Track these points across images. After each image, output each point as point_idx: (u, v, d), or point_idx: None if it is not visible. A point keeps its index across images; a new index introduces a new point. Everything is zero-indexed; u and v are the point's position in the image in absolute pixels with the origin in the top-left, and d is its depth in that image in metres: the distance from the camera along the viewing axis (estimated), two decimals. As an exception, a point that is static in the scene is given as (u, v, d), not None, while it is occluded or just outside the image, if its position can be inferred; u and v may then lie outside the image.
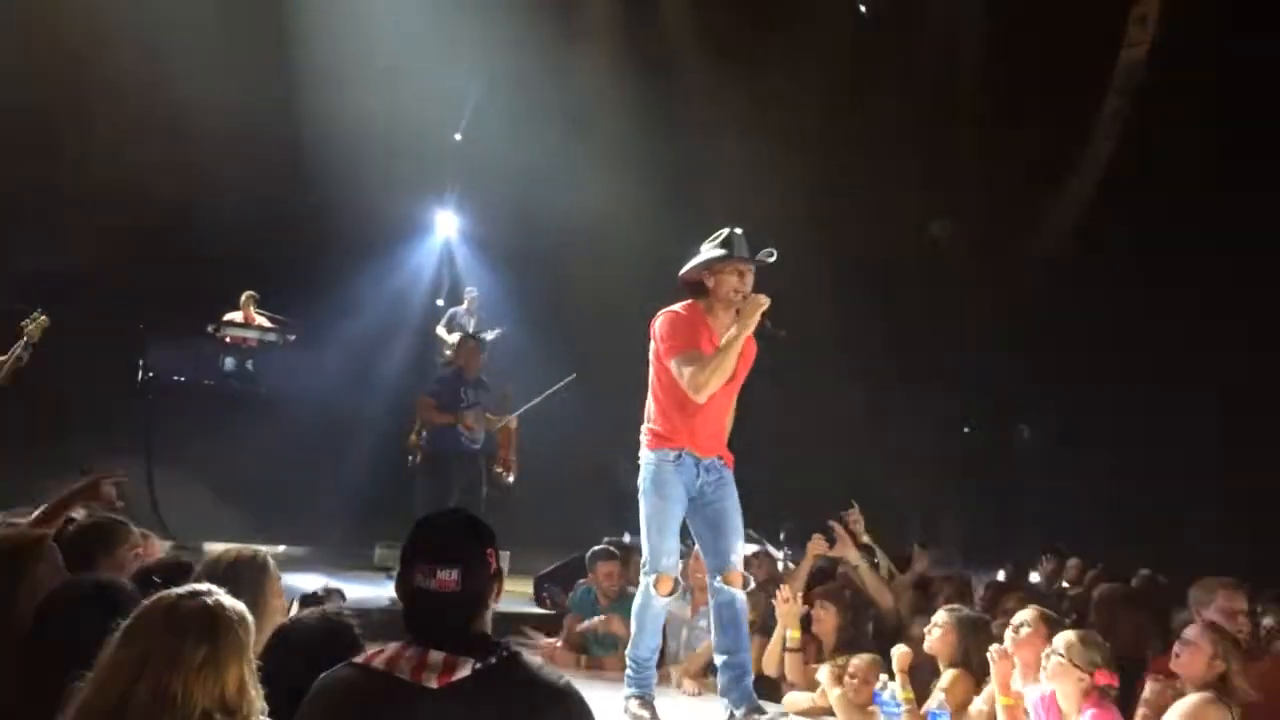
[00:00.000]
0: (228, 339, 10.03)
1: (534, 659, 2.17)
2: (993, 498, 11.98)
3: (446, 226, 13.21)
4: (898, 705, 4.54)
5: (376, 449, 9.79)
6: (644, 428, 4.64)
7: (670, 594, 4.57)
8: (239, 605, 2.13)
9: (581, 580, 6.58)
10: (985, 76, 11.98)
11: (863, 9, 12.02)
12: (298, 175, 10.74)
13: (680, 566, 4.66)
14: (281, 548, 7.85)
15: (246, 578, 2.78)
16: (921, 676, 4.77)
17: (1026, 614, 4.52)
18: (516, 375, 9.86)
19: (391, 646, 2.10)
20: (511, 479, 8.76)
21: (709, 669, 5.49)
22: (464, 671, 2.02)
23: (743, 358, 4.56)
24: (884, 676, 4.67)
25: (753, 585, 5.08)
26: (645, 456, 4.60)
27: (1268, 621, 5.75)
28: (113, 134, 9.77)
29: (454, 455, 7.91)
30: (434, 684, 2.01)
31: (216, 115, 9.97)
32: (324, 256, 11.13)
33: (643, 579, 4.53)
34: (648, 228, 11.24)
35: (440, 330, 11.28)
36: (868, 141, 11.67)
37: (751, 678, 4.63)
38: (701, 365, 4.35)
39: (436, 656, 2.04)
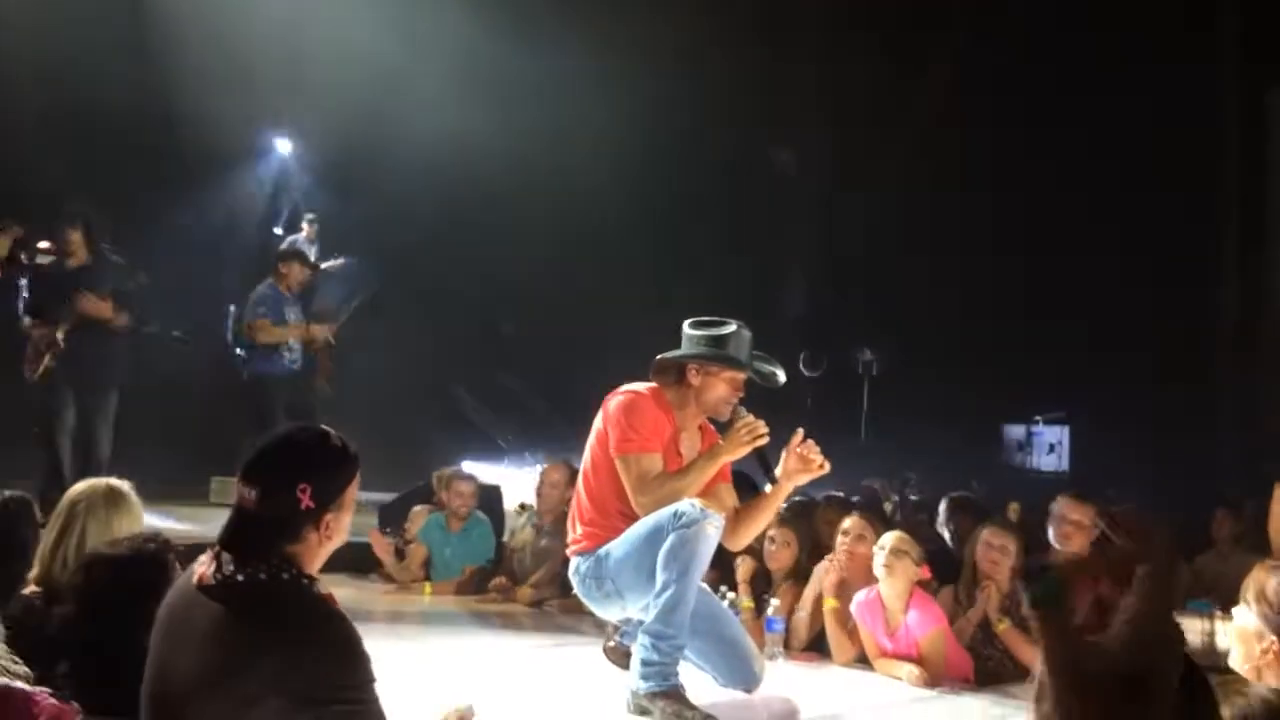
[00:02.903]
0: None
1: (311, 591, 2.09)
2: (837, 418, 12.37)
3: (282, 151, 12.65)
4: (737, 614, 4.67)
5: (212, 380, 9.42)
6: (578, 531, 3.81)
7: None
8: None
9: (420, 506, 6.52)
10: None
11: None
12: (115, 91, 10.06)
13: None
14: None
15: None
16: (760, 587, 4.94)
17: (854, 522, 4.72)
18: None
19: None
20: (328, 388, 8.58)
21: (553, 586, 5.58)
22: (211, 579, 2.06)
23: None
24: (724, 588, 4.79)
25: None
26: (581, 561, 3.78)
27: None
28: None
29: (274, 380, 7.69)
30: (194, 581, 2.08)
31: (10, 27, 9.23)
32: (149, 181, 10.50)
33: (675, 535, 3.49)
34: (498, 146, 11.00)
35: (281, 261, 10.88)
36: (713, 66, 11.66)
37: None
38: (658, 482, 3.66)
39: (211, 559, 2.10)
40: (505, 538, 6.45)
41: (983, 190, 11.81)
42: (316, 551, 2.15)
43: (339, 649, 2.01)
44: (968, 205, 11.86)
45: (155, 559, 2.51)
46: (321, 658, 1.98)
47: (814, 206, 12.94)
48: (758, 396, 4.01)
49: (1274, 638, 1.87)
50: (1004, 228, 11.94)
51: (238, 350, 7.94)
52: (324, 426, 2.29)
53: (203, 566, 2.10)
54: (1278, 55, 11.77)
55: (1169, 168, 11.68)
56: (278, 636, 1.98)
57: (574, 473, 6.20)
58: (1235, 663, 1.96)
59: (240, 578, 2.04)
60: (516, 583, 5.95)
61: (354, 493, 2.22)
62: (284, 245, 10.92)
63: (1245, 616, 1.96)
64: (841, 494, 6.82)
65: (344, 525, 2.20)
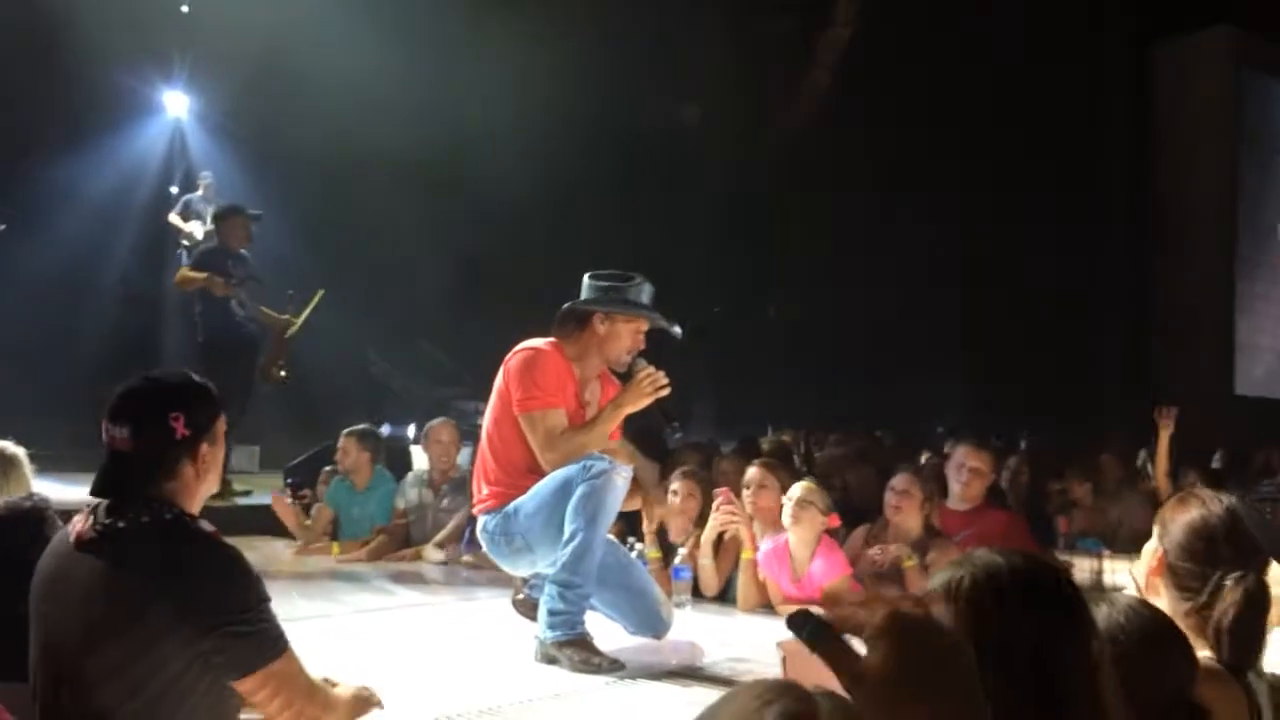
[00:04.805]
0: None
1: (193, 526, 2.07)
2: (743, 375, 12.53)
3: (176, 107, 12.25)
4: (644, 564, 4.73)
5: (107, 343, 9.15)
6: (484, 491, 3.81)
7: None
8: None
9: (327, 468, 6.46)
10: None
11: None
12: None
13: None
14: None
15: None
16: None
17: (755, 473, 4.81)
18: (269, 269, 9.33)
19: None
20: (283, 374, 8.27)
21: (459, 542, 5.59)
22: (89, 533, 2.03)
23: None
24: (631, 539, 4.84)
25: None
26: (489, 518, 3.78)
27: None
28: None
29: (232, 342, 7.31)
30: (71, 540, 2.04)
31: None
32: (32, 138, 10.10)
33: (584, 486, 3.55)
34: (403, 98, 10.79)
35: (174, 218, 10.53)
36: (619, 25, 11.59)
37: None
38: (564, 438, 3.69)
39: (86, 514, 2.06)
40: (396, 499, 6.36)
41: (883, 146, 11.98)
42: (194, 488, 2.14)
43: (230, 574, 2.02)
44: (875, 162, 12.03)
45: (29, 517, 2.42)
46: (214, 585, 2.00)
47: (719, 164, 12.98)
48: (667, 349, 4.06)
49: (1162, 549, 2.01)
50: (910, 186, 12.15)
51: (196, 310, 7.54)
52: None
53: (79, 524, 2.06)
54: (1162, 8, 12.18)
55: (1058, 121, 12.01)
56: (169, 575, 1.98)
57: (460, 431, 6.25)
58: (1140, 579, 2.13)
59: (121, 524, 2.02)
60: (412, 543, 5.94)
61: (223, 427, 2.22)
62: (179, 206, 10.64)
63: (1151, 542, 2.13)
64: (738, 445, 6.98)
65: (218, 460, 2.19)
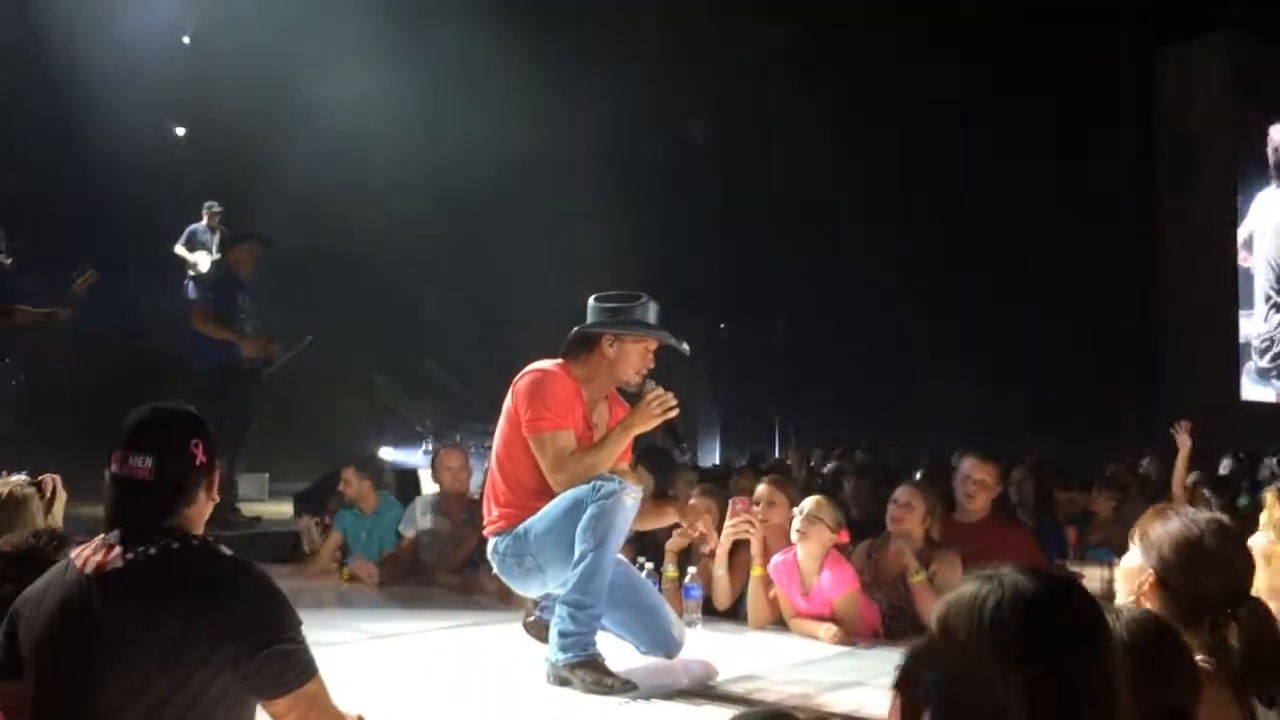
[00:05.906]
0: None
1: (223, 550, 2.09)
2: (749, 388, 12.54)
3: (179, 136, 12.31)
4: (657, 583, 4.74)
5: (118, 371, 9.19)
6: (494, 512, 3.81)
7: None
8: None
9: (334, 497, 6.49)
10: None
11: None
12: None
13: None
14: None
15: None
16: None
17: (764, 490, 4.82)
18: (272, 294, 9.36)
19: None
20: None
21: (470, 566, 5.60)
22: (116, 562, 2.02)
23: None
24: (641, 559, 4.84)
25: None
26: (499, 540, 3.80)
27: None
28: None
29: (234, 370, 7.30)
30: (90, 571, 2.02)
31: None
32: (33, 165, 10.16)
33: (594, 506, 3.56)
34: (406, 131, 10.84)
35: (180, 249, 10.60)
36: (617, 38, 11.66)
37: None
38: (574, 459, 3.69)
39: (101, 544, 2.05)
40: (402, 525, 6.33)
41: (886, 158, 12.02)
42: (203, 512, 2.18)
43: (268, 596, 2.06)
44: (871, 174, 12.06)
45: (43, 550, 2.38)
46: (256, 608, 2.03)
47: (725, 184, 13.01)
48: (675, 368, 4.08)
49: (1150, 569, 2.00)
50: (913, 197, 12.17)
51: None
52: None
53: (95, 555, 2.04)
54: (1165, 14, 12.22)
55: (1062, 128, 12.02)
56: (213, 600, 2.00)
57: (468, 457, 6.27)
58: (1120, 599, 2.10)
59: (153, 551, 2.03)
60: (424, 568, 5.93)
61: None
62: (184, 236, 10.68)
63: (1130, 557, 2.11)
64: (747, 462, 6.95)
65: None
